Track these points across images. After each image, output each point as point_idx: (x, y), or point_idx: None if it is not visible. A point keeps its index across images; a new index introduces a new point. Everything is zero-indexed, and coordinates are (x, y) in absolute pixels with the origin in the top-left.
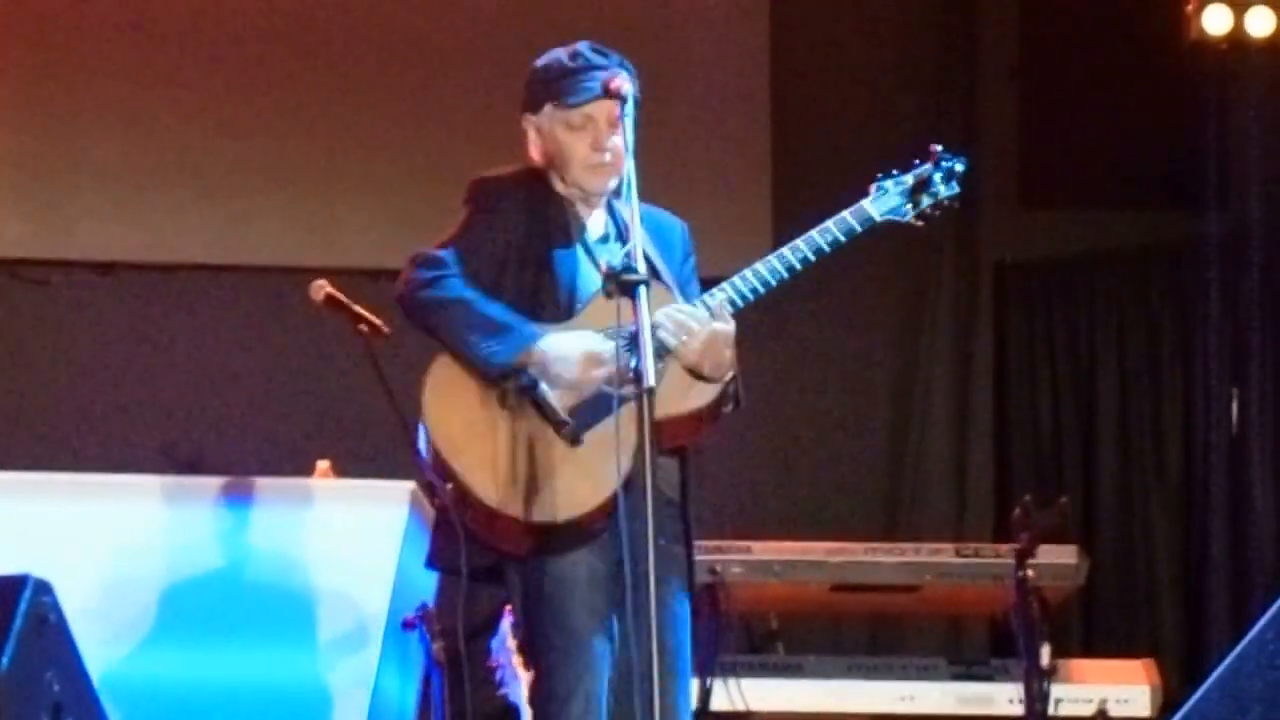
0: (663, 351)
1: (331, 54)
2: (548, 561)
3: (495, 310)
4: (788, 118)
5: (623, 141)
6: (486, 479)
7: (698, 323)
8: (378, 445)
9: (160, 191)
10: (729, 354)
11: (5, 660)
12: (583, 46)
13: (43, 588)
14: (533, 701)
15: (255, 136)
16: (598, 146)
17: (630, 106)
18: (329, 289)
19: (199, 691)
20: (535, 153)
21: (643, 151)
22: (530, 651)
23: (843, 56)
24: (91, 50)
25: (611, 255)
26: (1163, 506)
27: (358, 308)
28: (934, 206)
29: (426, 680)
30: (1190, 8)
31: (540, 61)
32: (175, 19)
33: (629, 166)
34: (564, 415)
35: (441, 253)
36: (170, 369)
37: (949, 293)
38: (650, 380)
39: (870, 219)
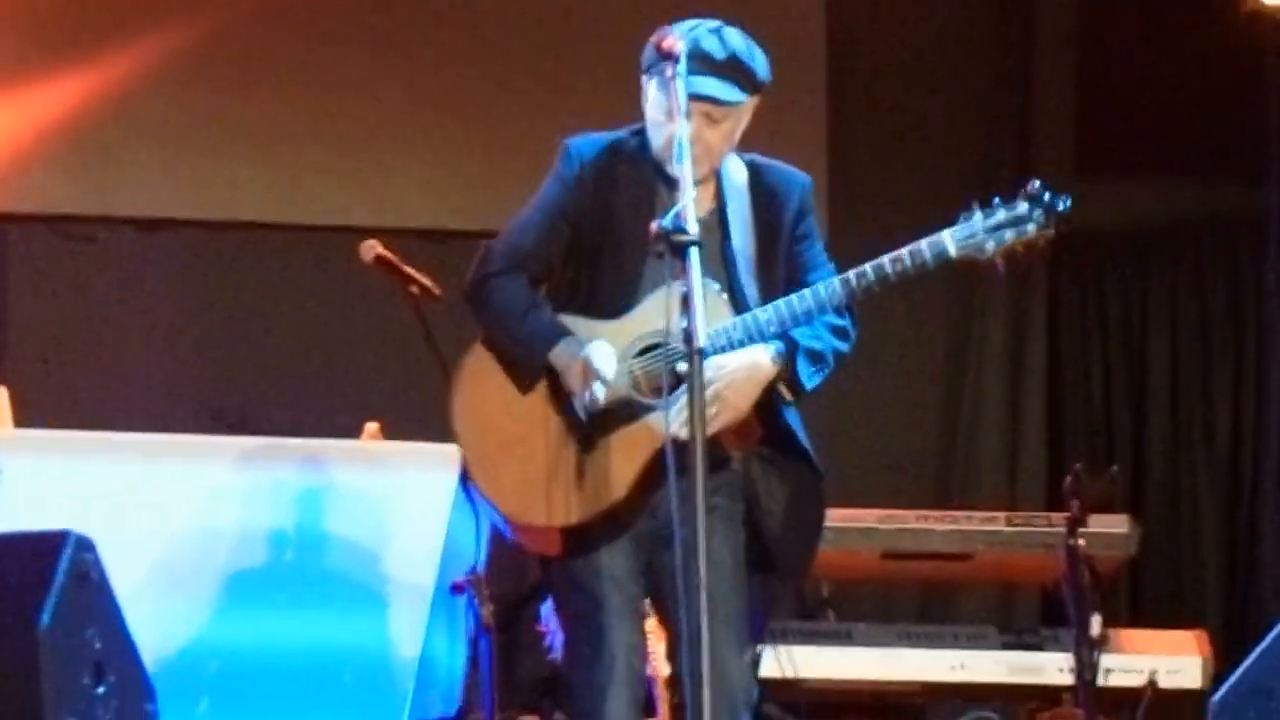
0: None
1: (385, 10)
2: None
3: (527, 322)
4: (843, 84)
5: (722, 138)
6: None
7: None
8: (427, 408)
9: (208, 148)
10: (749, 390)
11: (46, 616)
12: (704, 35)
13: (84, 544)
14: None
15: (306, 94)
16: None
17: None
18: (380, 249)
19: (245, 654)
20: (647, 113)
21: None
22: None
23: (899, 21)
24: (139, 6)
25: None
26: (1212, 477)
27: (408, 268)
28: (1023, 244)
29: (475, 644)
30: None
31: (665, 29)
32: None
33: (682, 129)
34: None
35: (499, 246)
36: (217, 328)
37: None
38: (701, 341)
39: (945, 253)
